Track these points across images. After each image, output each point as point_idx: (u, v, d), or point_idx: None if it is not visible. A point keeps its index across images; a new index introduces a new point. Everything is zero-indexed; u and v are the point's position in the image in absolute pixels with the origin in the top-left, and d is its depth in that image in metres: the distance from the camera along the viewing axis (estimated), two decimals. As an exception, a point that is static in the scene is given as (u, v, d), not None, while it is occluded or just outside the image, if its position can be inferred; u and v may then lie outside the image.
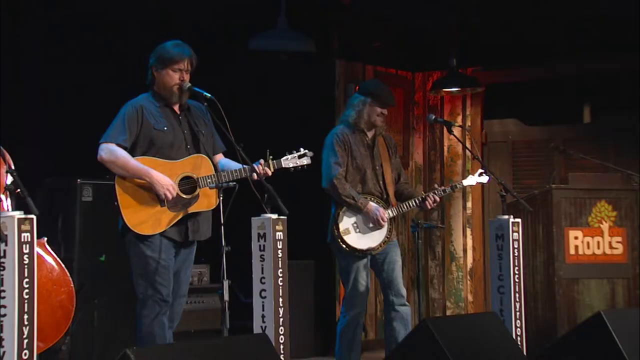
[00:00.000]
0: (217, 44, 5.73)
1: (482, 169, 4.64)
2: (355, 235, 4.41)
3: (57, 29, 5.16)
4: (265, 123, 5.95)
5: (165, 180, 3.64)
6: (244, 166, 3.71)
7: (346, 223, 4.42)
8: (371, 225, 4.41)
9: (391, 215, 4.45)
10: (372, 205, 4.41)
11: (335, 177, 4.41)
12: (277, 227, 3.55)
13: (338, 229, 4.41)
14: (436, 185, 4.60)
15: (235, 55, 5.94)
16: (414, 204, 4.50)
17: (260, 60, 5.88)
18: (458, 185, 4.62)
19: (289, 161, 3.84)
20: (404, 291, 4.44)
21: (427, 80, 6.87)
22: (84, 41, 5.28)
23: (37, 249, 3.07)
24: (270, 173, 3.75)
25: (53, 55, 5.16)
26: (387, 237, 4.43)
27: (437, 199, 4.48)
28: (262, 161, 3.75)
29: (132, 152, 3.71)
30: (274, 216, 3.55)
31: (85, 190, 4.91)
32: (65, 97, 5.20)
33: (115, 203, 3.67)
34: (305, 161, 3.87)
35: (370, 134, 4.55)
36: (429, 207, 4.50)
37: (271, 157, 3.77)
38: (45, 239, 3.74)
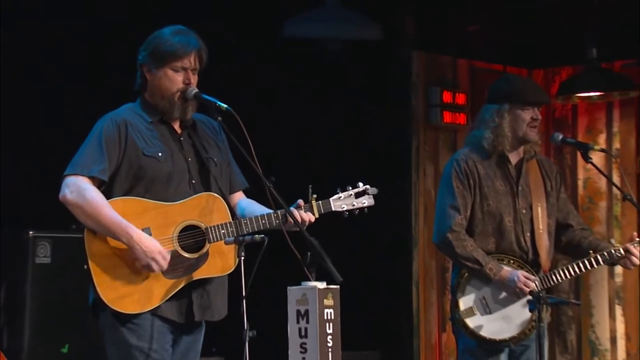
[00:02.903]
0: (237, 32, 5.86)
1: None
2: (483, 317, 4.39)
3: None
4: (306, 146, 6.04)
5: (150, 244, 3.67)
6: (276, 210, 3.76)
7: (470, 298, 4.41)
8: (507, 299, 4.37)
9: (542, 285, 4.38)
10: (508, 271, 4.36)
11: (451, 228, 4.39)
12: (327, 302, 3.56)
13: (457, 306, 4.40)
14: (635, 234, 4.46)
15: (264, 46, 6.06)
16: (599, 261, 4.39)
17: (300, 53, 5.99)
18: None
19: (342, 202, 3.87)
20: None
21: (551, 81, 6.89)
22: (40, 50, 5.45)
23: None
24: (313, 219, 3.79)
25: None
26: (534, 322, 4.30)
27: None
28: (302, 202, 3.80)
29: (111, 188, 3.78)
30: (321, 285, 3.57)
31: (41, 248, 5.02)
32: (12, 117, 5.34)
33: (85, 266, 3.73)
34: (366, 202, 3.88)
35: (514, 159, 4.54)
36: (630, 267, 4.41)
37: (315, 195, 3.81)
38: None
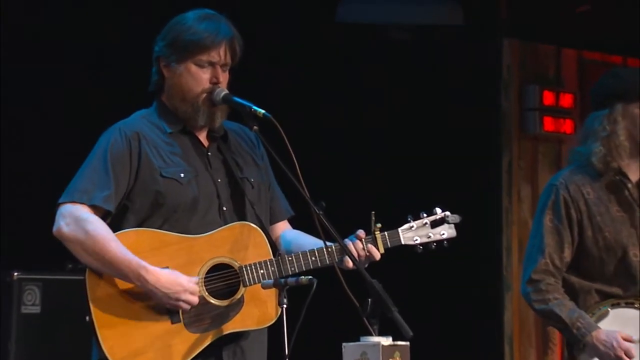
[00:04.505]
0: (278, 17, 5.88)
1: None
2: None
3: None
4: (366, 161, 6.05)
5: (170, 281, 3.69)
6: (328, 244, 3.78)
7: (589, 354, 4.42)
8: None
9: None
10: (603, 333, 4.37)
11: (530, 278, 4.44)
12: (393, 362, 3.58)
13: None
14: None
15: (311, 34, 6.08)
16: None
17: (357, 43, 6.00)
18: None
19: (415, 233, 3.89)
20: None
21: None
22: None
23: None
24: (378, 256, 3.80)
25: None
26: None
27: None
28: (362, 233, 3.82)
29: (121, 220, 3.82)
30: (386, 340, 3.58)
31: (28, 294, 5.07)
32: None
33: (87, 317, 3.76)
34: (446, 233, 3.90)
35: (635, 175, 4.54)
36: None
37: (380, 225, 3.83)
38: None
